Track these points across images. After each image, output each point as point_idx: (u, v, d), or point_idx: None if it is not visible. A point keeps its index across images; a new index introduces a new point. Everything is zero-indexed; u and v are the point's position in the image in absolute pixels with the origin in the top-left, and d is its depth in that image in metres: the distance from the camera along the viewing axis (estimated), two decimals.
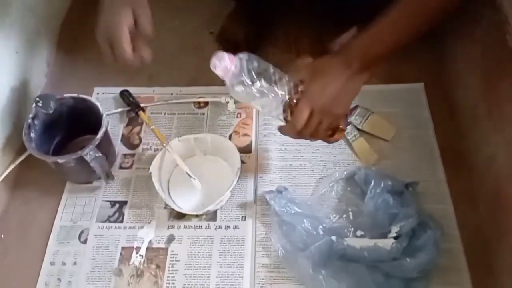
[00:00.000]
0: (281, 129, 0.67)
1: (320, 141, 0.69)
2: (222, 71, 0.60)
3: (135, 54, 0.64)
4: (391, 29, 0.64)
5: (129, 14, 0.63)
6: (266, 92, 0.62)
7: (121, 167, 0.82)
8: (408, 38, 0.65)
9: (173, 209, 0.75)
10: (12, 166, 0.79)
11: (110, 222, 0.76)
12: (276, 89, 0.63)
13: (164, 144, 0.77)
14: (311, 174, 0.80)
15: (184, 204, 0.75)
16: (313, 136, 0.66)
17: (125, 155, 0.84)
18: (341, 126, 0.68)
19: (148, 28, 0.64)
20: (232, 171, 0.76)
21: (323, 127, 0.65)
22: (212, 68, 0.60)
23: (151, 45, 0.66)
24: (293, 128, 0.64)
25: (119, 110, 0.89)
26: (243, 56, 0.62)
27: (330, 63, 0.64)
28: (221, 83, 0.91)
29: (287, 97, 0.63)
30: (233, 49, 0.94)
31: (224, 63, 0.60)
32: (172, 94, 0.91)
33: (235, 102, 0.88)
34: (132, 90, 0.92)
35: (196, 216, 0.75)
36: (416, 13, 0.64)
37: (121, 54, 0.63)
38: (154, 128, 0.80)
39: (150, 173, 0.75)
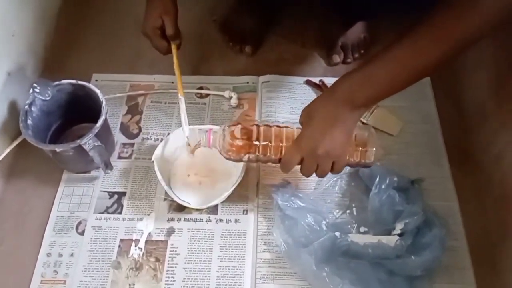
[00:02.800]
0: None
1: None
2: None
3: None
4: (390, 68, 0.56)
5: (158, 19, 0.74)
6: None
7: (120, 157, 0.80)
8: (412, 79, 0.57)
9: (173, 201, 0.73)
10: (7, 151, 0.77)
11: (108, 213, 0.74)
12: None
13: (180, 95, 0.77)
14: None
15: (186, 197, 0.73)
16: (319, 176, 0.64)
17: (124, 144, 0.82)
18: (364, 149, 0.66)
19: (169, 31, 0.75)
20: (236, 166, 0.74)
21: (324, 169, 0.62)
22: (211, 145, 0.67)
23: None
24: (283, 170, 0.65)
25: (118, 95, 0.87)
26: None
27: (320, 106, 0.60)
28: (223, 73, 0.91)
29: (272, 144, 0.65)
30: (238, 39, 0.93)
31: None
32: (173, 82, 0.89)
33: (239, 98, 0.86)
34: (132, 77, 0.90)
35: (197, 209, 0.74)
36: (427, 49, 0.53)
37: (157, 48, 0.78)
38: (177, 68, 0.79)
39: (153, 162, 0.73)
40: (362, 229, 0.72)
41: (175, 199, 0.71)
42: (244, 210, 0.74)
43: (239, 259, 0.70)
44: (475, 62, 0.83)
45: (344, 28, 0.91)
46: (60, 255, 0.71)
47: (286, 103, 0.86)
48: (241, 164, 0.72)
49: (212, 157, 0.78)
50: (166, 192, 0.73)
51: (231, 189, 0.71)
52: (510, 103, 0.71)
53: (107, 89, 0.88)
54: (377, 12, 0.87)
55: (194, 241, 0.72)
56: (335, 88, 0.60)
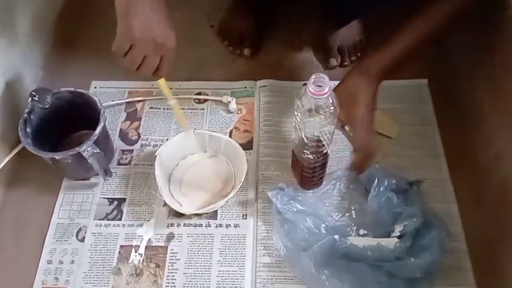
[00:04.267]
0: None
1: None
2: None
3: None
4: (411, 42, 0.65)
5: (157, 57, 0.64)
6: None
7: (119, 163, 0.81)
8: (424, 47, 0.68)
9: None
10: (7, 159, 0.78)
11: (108, 219, 0.74)
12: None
13: (169, 100, 0.73)
14: None
15: (184, 202, 0.74)
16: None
17: (123, 151, 0.82)
18: None
19: (163, 72, 0.66)
20: (236, 172, 0.75)
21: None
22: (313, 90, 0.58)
23: None
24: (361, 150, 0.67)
25: (117, 102, 0.88)
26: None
27: (359, 85, 0.65)
28: (221, 78, 0.91)
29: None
30: (237, 43, 0.93)
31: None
32: (171, 88, 0.89)
33: (237, 103, 0.86)
34: (131, 83, 0.90)
35: (196, 214, 0.74)
36: (436, 21, 0.65)
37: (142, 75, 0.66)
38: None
39: (155, 156, 0.74)
40: (361, 231, 0.72)
41: (166, 200, 0.71)
42: (243, 215, 0.75)
43: (239, 263, 0.70)
44: (471, 64, 0.83)
45: (340, 26, 0.91)
46: (61, 262, 0.71)
47: (285, 107, 0.86)
48: (238, 182, 0.72)
49: (218, 165, 0.79)
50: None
51: (219, 202, 0.71)
52: (506, 103, 0.71)
53: (106, 96, 0.88)
54: (371, 11, 0.87)
55: (194, 246, 0.72)
56: (369, 66, 0.66)
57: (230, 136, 0.82)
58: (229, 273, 0.69)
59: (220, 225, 0.74)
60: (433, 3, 0.65)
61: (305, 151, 0.67)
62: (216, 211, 0.75)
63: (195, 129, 0.77)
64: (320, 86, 0.58)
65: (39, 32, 0.90)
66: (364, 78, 0.65)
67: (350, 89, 0.65)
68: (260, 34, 0.95)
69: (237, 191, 0.73)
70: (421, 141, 0.81)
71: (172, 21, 0.63)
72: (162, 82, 0.69)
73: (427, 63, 0.90)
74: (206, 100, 0.88)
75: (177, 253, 0.71)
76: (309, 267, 0.65)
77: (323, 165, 0.71)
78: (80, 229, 0.74)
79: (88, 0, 1.03)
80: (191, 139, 0.77)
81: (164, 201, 0.74)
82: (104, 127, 0.73)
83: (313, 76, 0.59)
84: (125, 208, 0.76)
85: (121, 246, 0.72)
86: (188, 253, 0.71)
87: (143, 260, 0.71)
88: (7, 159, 0.78)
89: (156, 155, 0.74)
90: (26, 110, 0.73)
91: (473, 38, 0.83)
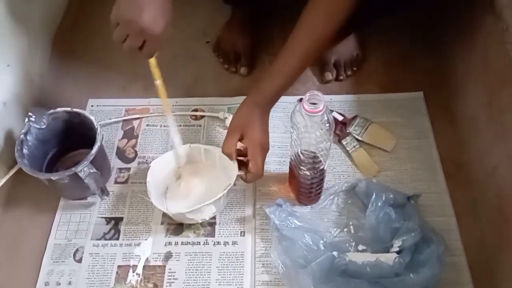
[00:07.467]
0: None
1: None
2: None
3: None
4: (288, 66, 0.69)
5: (139, 39, 0.63)
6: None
7: (116, 182, 0.80)
8: (307, 62, 0.72)
9: (170, 225, 0.74)
10: (3, 180, 0.78)
11: (105, 239, 0.74)
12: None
13: (165, 112, 0.74)
14: None
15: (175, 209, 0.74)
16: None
17: (120, 169, 0.82)
18: None
19: (146, 55, 0.65)
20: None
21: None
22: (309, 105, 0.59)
23: None
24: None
25: (114, 120, 0.88)
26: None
27: (251, 111, 0.70)
28: (217, 94, 0.91)
29: None
30: (233, 61, 0.93)
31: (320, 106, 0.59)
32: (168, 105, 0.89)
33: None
34: (128, 101, 0.90)
35: (193, 230, 0.73)
36: (321, 30, 0.69)
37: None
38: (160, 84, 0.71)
39: (150, 166, 0.74)
40: (360, 247, 0.72)
41: (154, 202, 0.70)
42: (241, 232, 0.74)
43: (238, 282, 0.70)
44: (466, 76, 0.83)
45: (338, 40, 0.91)
46: (58, 284, 0.70)
47: (281, 122, 0.86)
48: (228, 184, 0.72)
49: (212, 177, 0.78)
50: (163, 213, 0.73)
51: (207, 202, 0.70)
52: (501, 116, 0.71)
53: (103, 114, 0.89)
54: (364, 23, 0.87)
55: (192, 265, 0.71)
56: (257, 96, 0.70)
57: None
58: None
59: (218, 243, 0.73)
60: (302, 25, 0.70)
61: (301, 167, 0.68)
62: (213, 228, 0.74)
63: (190, 144, 0.77)
64: (315, 104, 0.59)
65: (36, 51, 0.90)
66: (258, 109, 0.70)
67: (247, 117, 0.70)
68: (255, 51, 0.95)
69: (234, 208, 0.73)
70: (418, 154, 0.81)
71: (170, 12, 0.62)
72: (151, 61, 0.67)
73: (423, 76, 0.90)
74: (202, 117, 0.88)
75: (175, 272, 0.71)
76: (308, 285, 0.65)
77: (321, 181, 0.71)
78: (77, 250, 0.73)
79: (85, 19, 1.04)
80: (186, 154, 0.78)
81: (162, 219, 0.74)
82: (100, 146, 0.73)
83: (307, 94, 0.59)
84: (122, 227, 0.75)
85: (119, 266, 0.71)
86: (186, 272, 0.71)
87: (140, 280, 0.70)
88: (4, 179, 0.78)
89: (150, 165, 0.74)
90: (22, 131, 0.73)
91: (468, 51, 0.83)
